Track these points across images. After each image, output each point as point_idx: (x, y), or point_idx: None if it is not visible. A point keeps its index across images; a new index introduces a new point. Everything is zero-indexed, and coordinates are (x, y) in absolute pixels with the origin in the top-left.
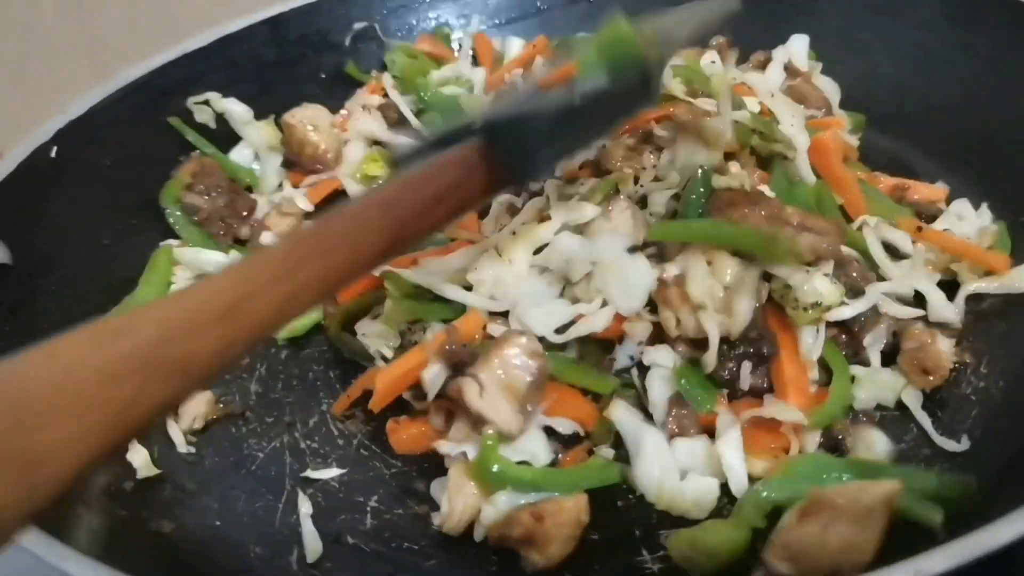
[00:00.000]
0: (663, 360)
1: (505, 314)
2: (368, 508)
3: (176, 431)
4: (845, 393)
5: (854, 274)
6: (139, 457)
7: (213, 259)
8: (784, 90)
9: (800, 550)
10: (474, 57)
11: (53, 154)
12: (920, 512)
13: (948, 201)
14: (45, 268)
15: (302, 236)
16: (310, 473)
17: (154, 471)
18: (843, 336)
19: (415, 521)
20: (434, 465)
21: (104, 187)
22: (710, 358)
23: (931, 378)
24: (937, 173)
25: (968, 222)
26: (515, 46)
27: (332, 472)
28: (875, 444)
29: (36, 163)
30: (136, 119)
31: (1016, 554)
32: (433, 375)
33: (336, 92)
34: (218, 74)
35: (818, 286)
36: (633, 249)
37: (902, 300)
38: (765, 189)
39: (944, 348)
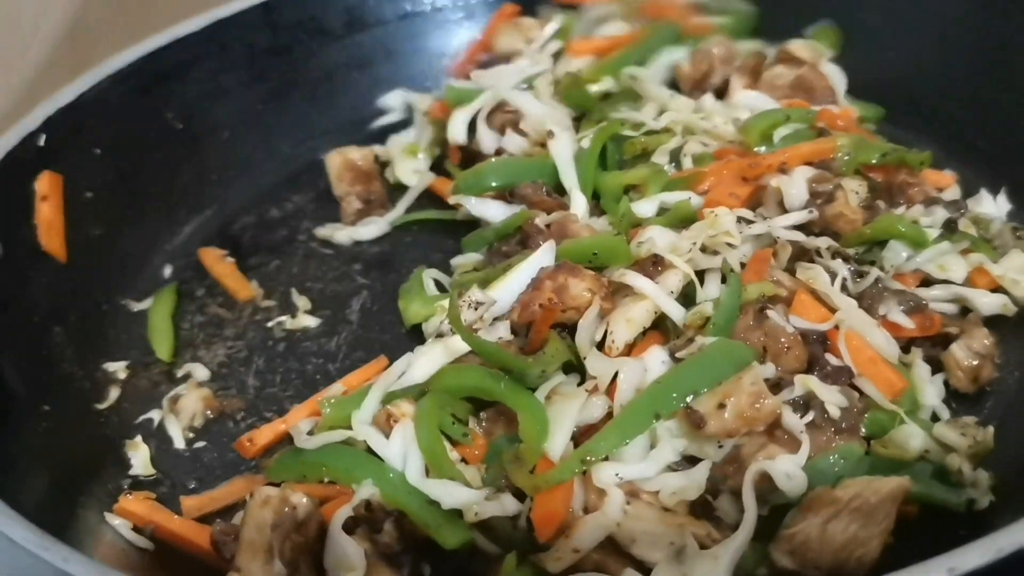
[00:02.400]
0: None
1: None
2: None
3: (175, 428)
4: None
5: None
6: (139, 456)
7: None
8: (791, 81)
9: (802, 544)
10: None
11: (42, 142)
12: (943, 496)
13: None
14: (35, 260)
15: None
16: None
17: (151, 471)
18: None
19: None
20: None
21: (95, 176)
22: None
23: (973, 385)
24: (946, 160)
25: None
26: None
27: None
28: (909, 439)
29: (24, 152)
30: (127, 106)
31: None
32: None
33: (330, 80)
34: (210, 60)
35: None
36: None
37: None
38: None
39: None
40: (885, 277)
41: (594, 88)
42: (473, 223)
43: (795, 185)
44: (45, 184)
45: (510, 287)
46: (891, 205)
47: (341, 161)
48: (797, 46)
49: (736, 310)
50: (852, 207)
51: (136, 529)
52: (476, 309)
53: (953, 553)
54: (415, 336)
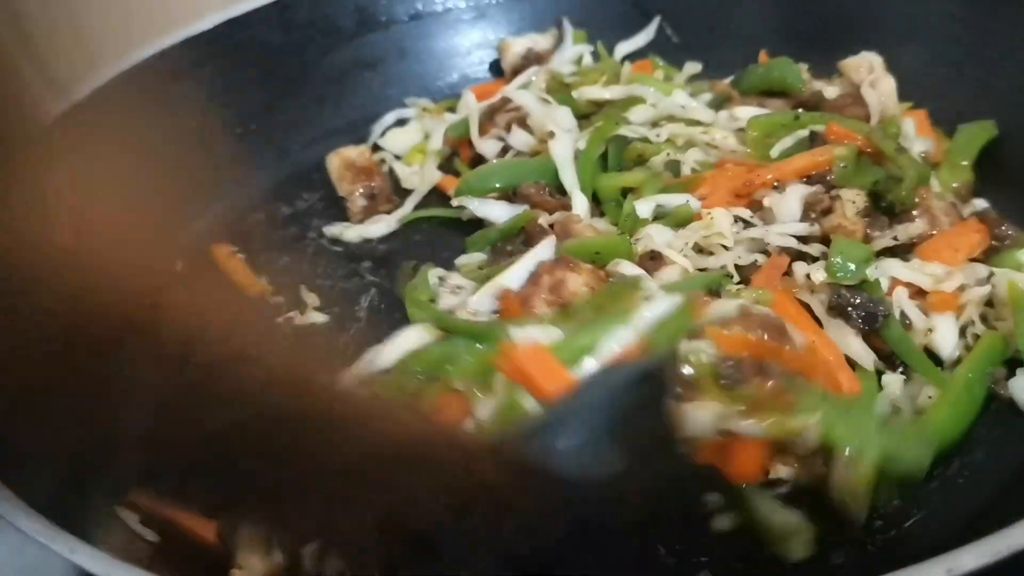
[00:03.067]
0: None
1: None
2: None
3: None
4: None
5: None
6: None
7: None
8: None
9: None
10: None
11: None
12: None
13: None
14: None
15: None
16: None
17: None
18: None
19: None
20: None
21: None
22: None
23: None
24: None
25: None
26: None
27: None
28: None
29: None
30: (140, 104)
31: None
32: None
33: (342, 79)
34: (223, 59)
35: None
36: None
37: None
38: None
39: None
40: None
41: (595, 94)
42: (482, 221)
43: (788, 205)
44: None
45: (509, 281)
46: (892, 219)
47: (339, 162)
48: (848, 64)
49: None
50: (850, 218)
51: (144, 522)
52: (456, 294)
53: (951, 554)
54: None
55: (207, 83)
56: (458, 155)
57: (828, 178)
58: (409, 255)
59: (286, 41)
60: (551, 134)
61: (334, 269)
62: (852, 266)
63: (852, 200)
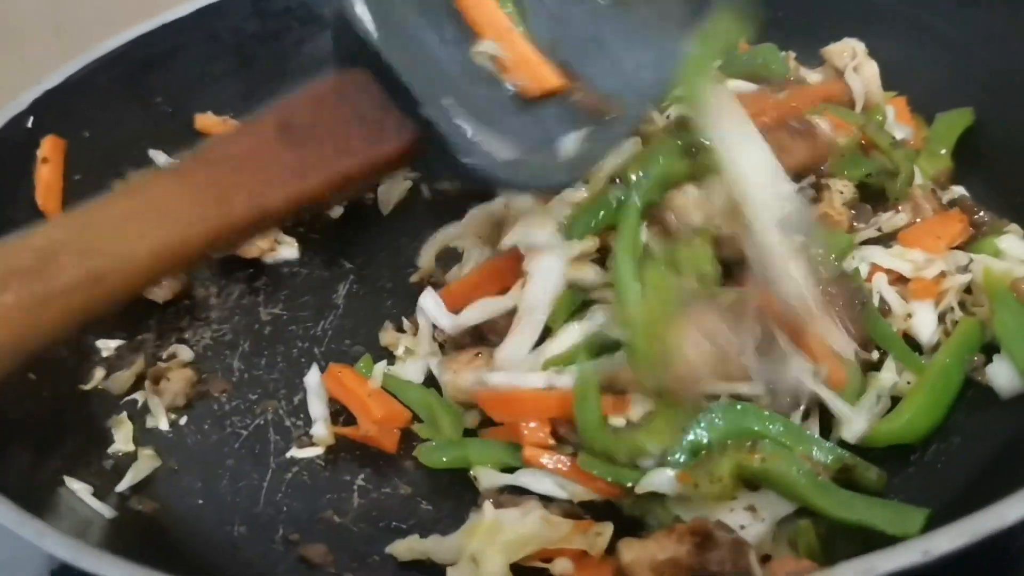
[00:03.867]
0: None
1: None
2: (355, 487)
3: (159, 408)
4: None
5: None
6: (122, 433)
7: None
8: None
9: None
10: None
11: (29, 124)
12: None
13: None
14: None
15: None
16: (295, 451)
17: (132, 448)
18: None
19: (402, 500)
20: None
21: (82, 159)
22: None
23: None
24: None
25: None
26: None
27: (318, 450)
28: None
29: (11, 134)
30: (115, 91)
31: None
32: None
33: (319, 68)
34: (199, 47)
35: None
36: None
37: None
38: None
39: None
40: None
41: None
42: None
43: None
44: (47, 147)
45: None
46: (876, 207)
47: None
48: (831, 51)
49: None
50: (837, 208)
51: (97, 495)
52: None
53: (927, 536)
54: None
55: (182, 71)
56: None
57: (822, 167)
58: (387, 243)
59: (262, 29)
60: None
61: (312, 256)
62: (832, 257)
63: (840, 191)
